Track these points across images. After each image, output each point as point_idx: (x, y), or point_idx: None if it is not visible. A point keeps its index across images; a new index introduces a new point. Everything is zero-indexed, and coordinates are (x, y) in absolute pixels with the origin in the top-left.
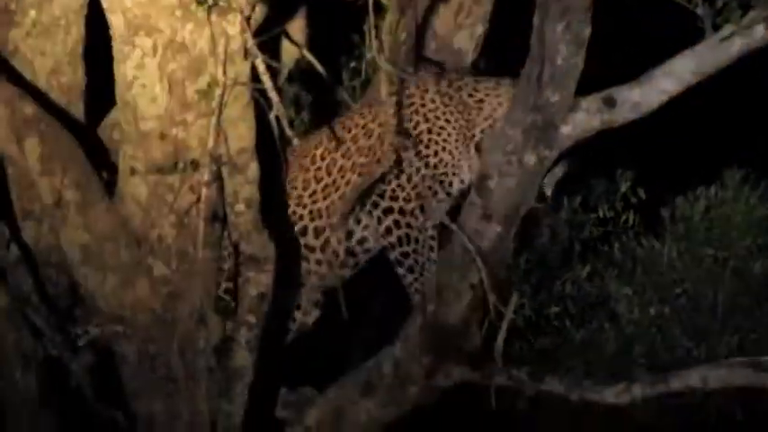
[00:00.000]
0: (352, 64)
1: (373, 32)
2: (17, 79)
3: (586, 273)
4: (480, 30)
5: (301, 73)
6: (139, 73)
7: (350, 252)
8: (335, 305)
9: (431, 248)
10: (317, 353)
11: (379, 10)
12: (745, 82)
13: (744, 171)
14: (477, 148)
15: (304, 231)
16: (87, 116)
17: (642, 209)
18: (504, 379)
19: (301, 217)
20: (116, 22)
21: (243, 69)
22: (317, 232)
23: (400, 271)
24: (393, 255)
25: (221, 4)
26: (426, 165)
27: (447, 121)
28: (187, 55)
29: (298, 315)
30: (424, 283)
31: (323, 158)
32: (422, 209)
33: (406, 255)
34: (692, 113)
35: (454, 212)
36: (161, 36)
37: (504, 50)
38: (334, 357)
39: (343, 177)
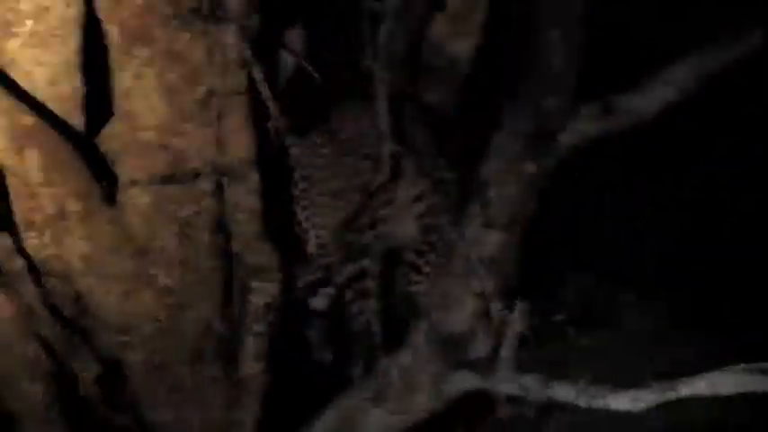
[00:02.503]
0: (349, 71)
1: (369, 40)
2: (15, 90)
3: (594, 279)
4: (476, 37)
5: (299, 81)
6: (137, 83)
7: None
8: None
9: None
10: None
11: (376, 18)
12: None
13: None
14: None
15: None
16: (87, 126)
17: None
18: (512, 386)
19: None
20: (113, 32)
21: (241, 79)
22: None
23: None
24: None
25: (217, 13)
26: None
27: None
28: (185, 64)
29: None
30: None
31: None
32: None
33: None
34: None
35: (455, 221)
36: (158, 46)
37: (501, 58)
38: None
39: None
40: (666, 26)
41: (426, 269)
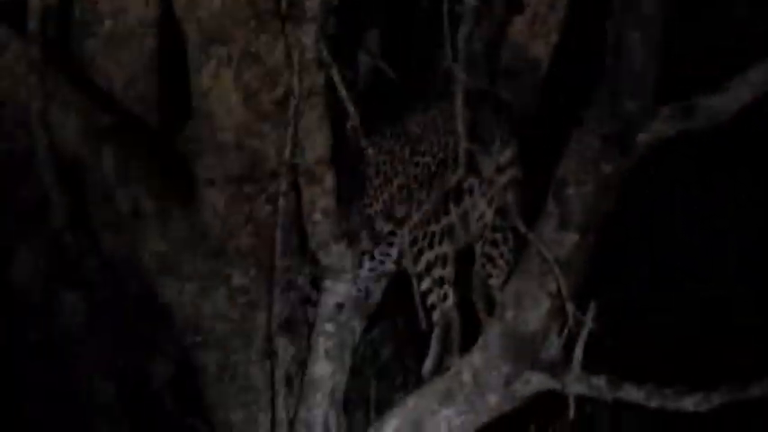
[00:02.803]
0: (428, 73)
1: (448, 41)
2: (93, 89)
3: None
4: (555, 38)
5: (377, 82)
6: (215, 83)
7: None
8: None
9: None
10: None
11: (455, 19)
12: None
13: None
14: None
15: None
16: (164, 126)
17: None
18: (583, 387)
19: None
20: (191, 32)
21: (318, 79)
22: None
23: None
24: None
25: (295, 14)
26: None
27: None
28: (262, 65)
29: None
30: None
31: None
32: None
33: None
34: None
35: (531, 220)
36: (236, 46)
37: (580, 59)
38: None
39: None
40: (745, 28)
41: (501, 261)
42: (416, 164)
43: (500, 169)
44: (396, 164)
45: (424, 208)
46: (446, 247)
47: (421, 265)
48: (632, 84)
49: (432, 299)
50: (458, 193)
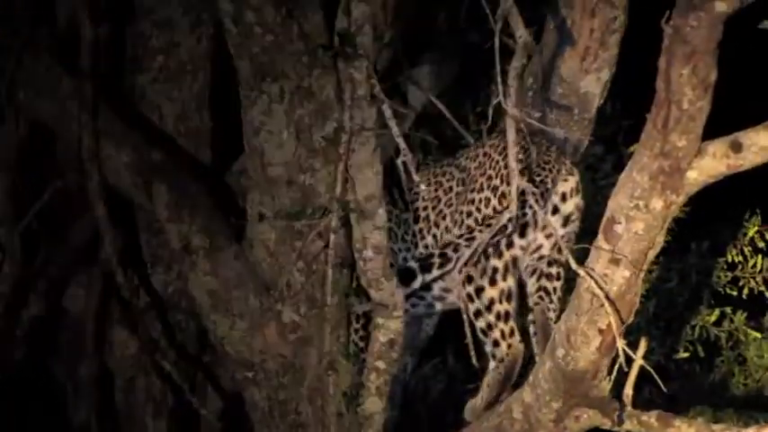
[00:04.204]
0: (479, 108)
1: (499, 77)
2: (145, 125)
3: (715, 317)
4: (607, 74)
5: (428, 118)
6: (267, 119)
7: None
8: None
9: None
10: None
11: (506, 54)
12: None
13: None
14: None
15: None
16: (215, 162)
17: None
18: (634, 423)
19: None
20: (243, 67)
21: (369, 115)
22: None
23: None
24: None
25: (347, 50)
26: None
27: None
28: (314, 101)
29: None
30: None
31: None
32: None
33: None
34: None
35: (582, 257)
36: (288, 82)
37: (631, 94)
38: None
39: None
40: None
41: (555, 297)
42: (471, 201)
43: (563, 199)
44: (449, 199)
45: (477, 244)
46: (510, 281)
47: (482, 302)
48: (681, 120)
49: (494, 335)
50: (522, 226)
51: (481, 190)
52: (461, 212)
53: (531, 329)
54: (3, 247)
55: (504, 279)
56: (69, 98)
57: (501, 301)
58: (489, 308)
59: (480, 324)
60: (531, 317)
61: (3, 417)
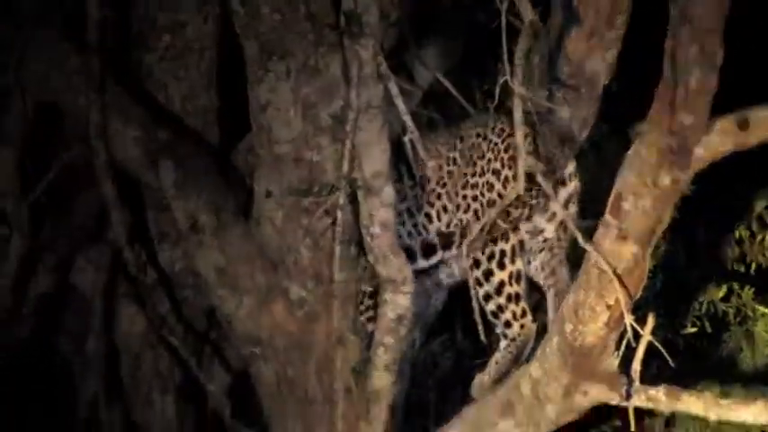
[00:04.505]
0: (486, 87)
1: (506, 56)
2: (152, 103)
3: (723, 292)
4: (613, 53)
5: (435, 96)
6: (273, 97)
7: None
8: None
9: None
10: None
11: (513, 34)
12: None
13: None
14: None
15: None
16: (222, 140)
17: None
18: (642, 398)
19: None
20: (250, 46)
21: (376, 93)
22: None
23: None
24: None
25: (354, 29)
26: None
27: None
28: (320, 79)
29: None
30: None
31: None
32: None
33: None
34: None
35: (589, 232)
36: (294, 60)
37: (637, 73)
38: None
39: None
40: None
41: (561, 276)
42: (474, 185)
43: (563, 183)
44: (454, 179)
45: (481, 225)
46: (519, 264)
47: (492, 286)
48: (688, 99)
49: (506, 316)
50: (529, 209)
51: (483, 174)
52: (465, 196)
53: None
54: (10, 223)
55: (513, 262)
56: (76, 74)
57: (511, 284)
58: (499, 290)
59: (491, 307)
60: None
61: (10, 393)
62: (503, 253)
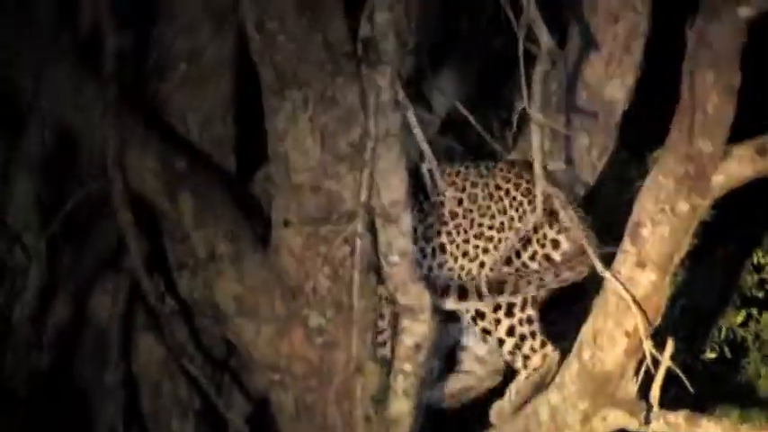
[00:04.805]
0: (503, 114)
1: (524, 82)
2: (169, 132)
3: (742, 318)
4: (631, 79)
5: (452, 124)
6: (291, 126)
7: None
8: None
9: None
10: None
11: (530, 60)
12: None
13: None
14: None
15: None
16: (239, 168)
17: None
18: (661, 424)
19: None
20: (267, 75)
21: (394, 121)
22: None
23: None
24: None
25: (371, 57)
26: None
27: None
28: (338, 108)
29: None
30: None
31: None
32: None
33: None
34: None
35: (608, 260)
36: (312, 89)
37: (654, 99)
38: None
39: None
40: None
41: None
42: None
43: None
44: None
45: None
46: (528, 311)
47: (502, 330)
48: (706, 125)
49: (524, 351)
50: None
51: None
52: (476, 246)
53: None
54: (29, 254)
55: (522, 310)
56: (93, 104)
57: (522, 325)
58: (511, 332)
59: (507, 348)
60: None
61: (29, 423)
62: (510, 304)
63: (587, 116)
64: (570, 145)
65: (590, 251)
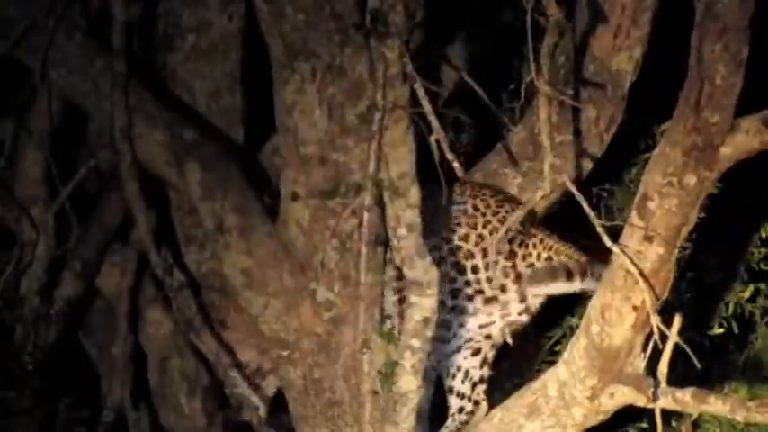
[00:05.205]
0: (511, 86)
1: (532, 55)
2: (176, 104)
3: (749, 293)
4: (639, 52)
5: (460, 96)
6: (299, 98)
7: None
8: None
9: None
10: None
11: (538, 32)
12: None
13: None
14: None
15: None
16: (247, 141)
17: None
18: (668, 400)
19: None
20: (275, 46)
21: (402, 93)
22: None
23: None
24: None
25: (379, 29)
26: None
27: None
28: (346, 79)
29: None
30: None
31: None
32: None
33: None
34: None
35: (615, 234)
36: (320, 61)
37: (662, 72)
38: None
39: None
40: None
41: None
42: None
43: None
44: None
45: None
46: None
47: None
48: (714, 97)
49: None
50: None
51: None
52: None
53: None
54: (37, 227)
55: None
56: (101, 77)
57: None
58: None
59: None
60: None
61: (37, 398)
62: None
63: (595, 88)
64: (578, 117)
65: (598, 227)
